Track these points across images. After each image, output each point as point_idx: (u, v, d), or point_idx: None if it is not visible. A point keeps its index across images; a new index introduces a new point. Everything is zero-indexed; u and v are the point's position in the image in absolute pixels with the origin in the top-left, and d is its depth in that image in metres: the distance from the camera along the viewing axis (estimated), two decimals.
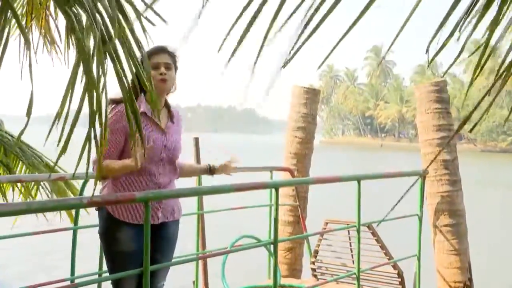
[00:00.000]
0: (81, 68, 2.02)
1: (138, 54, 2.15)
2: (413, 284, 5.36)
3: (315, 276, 5.55)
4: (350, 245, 5.35)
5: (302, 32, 1.29)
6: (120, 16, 2.11)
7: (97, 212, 3.20)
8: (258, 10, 1.28)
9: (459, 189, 5.23)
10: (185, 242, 4.23)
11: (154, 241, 3.08)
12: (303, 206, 5.93)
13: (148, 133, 3.13)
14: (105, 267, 3.35)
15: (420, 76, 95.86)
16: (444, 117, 5.21)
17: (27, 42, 2.06)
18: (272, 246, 3.88)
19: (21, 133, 2.00)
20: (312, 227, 5.93)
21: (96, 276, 4.08)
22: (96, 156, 3.00)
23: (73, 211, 4.67)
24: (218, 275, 5.02)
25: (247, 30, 1.27)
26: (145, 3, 2.07)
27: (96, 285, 4.00)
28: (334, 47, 1.34)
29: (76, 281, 3.97)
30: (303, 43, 1.31)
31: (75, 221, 4.27)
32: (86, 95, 2.00)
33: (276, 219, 3.78)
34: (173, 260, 3.36)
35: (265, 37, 1.31)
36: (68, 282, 3.96)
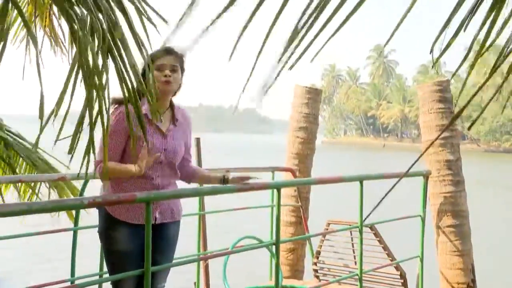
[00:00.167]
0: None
1: (139, 54, 2.15)
2: (416, 285, 5.35)
3: (317, 277, 5.56)
4: (353, 246, 5.35)
5: (306, 34, 1.29)
6: (121, 15, 2.11)
7: (97, 211, 3.21)
8: (258, 7, 1.28)
9: (462, 190, 5.23)
10: (186, 243, 4.23)
11: (152, 241, 3.08)
12: (305, 206, 5.93)
13: (148, 136, 3.13)
14: (105, 267, 3.36)
15: (423, 76, 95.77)
16: (447, 117, 5.21)
17: (33, 40, 2.05)
18: (274, 247, 3.88)
19: (37, 142, 2.00)
20: (314, 228, 5.93)
21: (96, 277, 4.09)
22: (99, 158, 3.02)
23: (73, 212, 4.68)
24: (219, 276, 5.02)
25: (245, 27, 1.27)
26: (146, 3, 2.08)
27: (96, 285, 4.01)
28: (324, 44, 1.34)
29: (77, 282, 3.98)
30: (307, 47, 1.31)
31: (76, 221, 4.28)
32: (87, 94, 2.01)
33: (278, 220, 3.78)
34: (174, 261, 3.36)
35: (267, 36, 1.31)
36: (69, 283, 3.97)
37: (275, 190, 4.29)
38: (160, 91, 3.15)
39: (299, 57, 1.28)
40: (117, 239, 3.11)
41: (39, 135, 2.02)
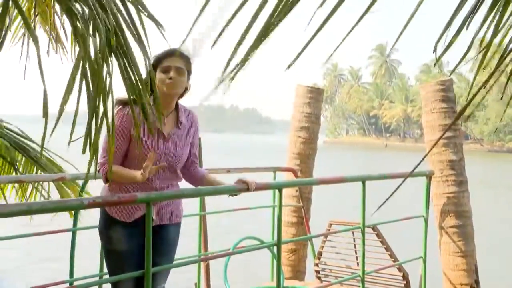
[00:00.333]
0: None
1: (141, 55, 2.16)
2: (418, 286, 5.36)
3: (319, 278, 5.56)
4: (355, 247, 5.35)
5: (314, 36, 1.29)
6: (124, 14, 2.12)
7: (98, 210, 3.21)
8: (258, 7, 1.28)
9: (466, 190, 5.23)
10: (187, 244, 4.24)
11: (152, 243, 3.08)
12: (306, 207, 5.93)
13: (149, 140, 3.12)
14: (105, 268, 3.37)
15: (426, 75, 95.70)
16: (450, 116, 5.20)
17: (34, 39, 2.05)
18: (275, 247, 3.88)
19: (42, 144, 2.00)
20: (316, 228, 5.94)
21: (95, 278, 4.10)
22: (103, 159, 3.02)
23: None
24: (220, 277, 5.03)
25: (248, 27, 1.27)
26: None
27: (95, 286, 4.01)
28: (337, 47, 1.34)
29: (75, 283, 3.98)
30: (306, 44, 1.32)
31: (74, 222, 4.29)
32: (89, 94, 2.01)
33: (279, 220, 3.79)
34: (174, 262, 3.36)
35: (265, 35, 1.31)
36: (67, 284, 3.97)
37: (276, 191, 4.30)
38: (164, 93, 3.14)
39: (298, 56, 1.28)
40: (114, 238, 3.12)
41: (44, 136, 2.02)
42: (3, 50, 2.08)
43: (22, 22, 4.59)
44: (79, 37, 2.04)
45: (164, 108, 3.19)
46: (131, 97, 2.36)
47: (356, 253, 5.34)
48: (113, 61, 2.16)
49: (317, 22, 1.34)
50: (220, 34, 1.21)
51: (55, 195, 5.46)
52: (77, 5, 2.10)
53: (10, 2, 1.95)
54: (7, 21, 2.05)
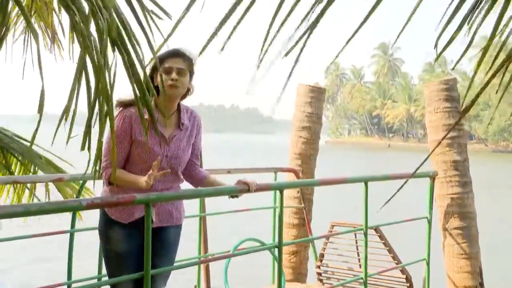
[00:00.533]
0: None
1: (141, 53, 2.15)
2: None
3: (320, 280, 5.56)
4: (357, 249, 5.35)
5: (310, 31, 1.29)
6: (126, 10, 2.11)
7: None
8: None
9: (470, 191, 5.22)
10: (187, 245, 4.24)
11: (151, 245, 3.08)
12: (308, 208, 5.93)
13: (150, 142, 3.11)
14: (104, 270, 3.37)
15: (429, 74, 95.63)
16: (454, 116, 5.20)
17: (34, 33, 2.04)
18: (276, 249, 3.89)
19: (33, 139, 2.00)
20: (318, 230, 5.94)
21: (93, 280, 4.10)
22: (105, 163, 3.02)
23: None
24: (220, 280, 5.03)
25: (238, 22, 1.27)
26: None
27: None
28: (342, 48, 1.34)
29: (73, 286, 3.99)
30: (304, 34, 1.31)
31: (72, 223, 4.29)
32: (90, 94, 2.00)
33: (280, 222, 3.79)
34: (174, 264, 3.36)
35: (268, 34, 1.31)
36: (65, 287, 3.98)
37: (277, 192, 4.30)
38: (166, 95, 3.14)
39: (296, 44, 1.28)
40: (113, 238, 3.13)
41: (35, 133, 2.02)
42: (3, 50, 2.08)
43: (20, 20, 4.59)
44: (78, 33, 2.04)
45: (166, 110, 3.19)
46: (138, 96, 2.34)
47: (358, 255, 5.34)
48: (116, 60, 2.15)
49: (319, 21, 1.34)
50: (229, 38, 1.21)
51: (52, 197, 5.46)
52: (77, 0, 2.09)
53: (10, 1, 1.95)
54: (7, 18, 2.05)
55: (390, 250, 5.15)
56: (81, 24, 2.02)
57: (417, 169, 1.70)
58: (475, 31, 1.58)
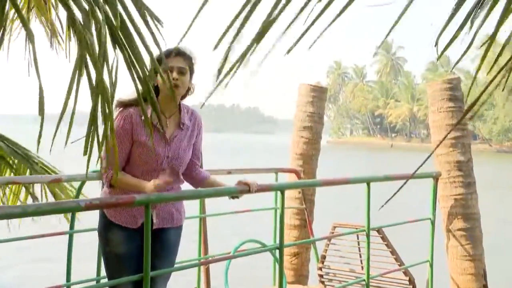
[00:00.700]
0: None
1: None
2: None
3: (322, 282, 5.56)
4: (359, 250, 5.35)
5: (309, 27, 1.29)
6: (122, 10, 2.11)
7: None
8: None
9: (474, 192, 5.22)
10: (187, 247, 4.24)
11: (151, 246, 3.08)
12: (309, 209, 5.93)
13: (151, 143, 3.11)
14: (103, 272, 3.37)
15: (432, 73, 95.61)
16: (458, 116, 5.20)
17: (30, 34, 2.04)
18: (277, 251, 3.88)
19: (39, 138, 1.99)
20: (319, 231, 5.93)
21: (92, 282, 4.10)
22: (106, 165, 3.01)
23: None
24: (221, 281, 5.03)
25: (244, 23, 1.27)
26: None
27: None
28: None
29: (72, 287, 3.99)
30: (305, 31, 1.31)
31: (71, 224, 4.29)
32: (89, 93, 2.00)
33: (281, 223, 3.79)
34: (174, 266, 3.36)
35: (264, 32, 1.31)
36: None
37: (278, 192, 4.30)
38: (167, 94, 3.14)
39: (298, 40, 1.28)
40: (112, 240, 3.12)
41: (39, 139, 2.01)
42: (3, 50, 2.08)
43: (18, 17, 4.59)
44: (77, 30, 2.03)
45: (166, 110, 3.19)
46: (140, 94, 2.34)
47: (360, 257, 5.33)
48: (117, 57, 2.14)
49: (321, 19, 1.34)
50: (223, 36, 1.21)
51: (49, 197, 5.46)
52: None
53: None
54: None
55: (393, 252, 5.14)
56: (80, 22, 2.02)
57: (416, 170, 1.70)
58: (477, 30, 1.57)
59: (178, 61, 3.17)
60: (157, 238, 3.16)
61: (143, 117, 2.45)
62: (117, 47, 2.09)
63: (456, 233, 5.16)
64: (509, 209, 21.11)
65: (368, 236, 4.63)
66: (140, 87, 2.27)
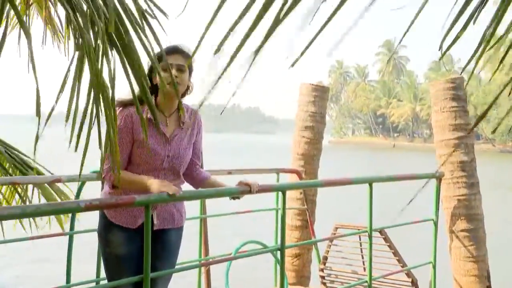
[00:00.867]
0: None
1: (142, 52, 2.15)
2: None
3: (324, 284, 5.56)
4: (361, 251, 5.35)
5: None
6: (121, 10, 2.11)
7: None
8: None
9: (477, 192, 5.22)
10: (187, 248, 4.24)
11: (151, 248, 3.09)
12: (311, 210, 5.93)
13: (151, 142, 3.11)
14: (103, 273, 3.37)
15: (435, 73, 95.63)
16: (461, 116, 5.20)
17: (27, 33, 2.04)
18: (278, 252, 3.88)
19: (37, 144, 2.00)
20: (321, 232, 5.93)
21: (91, 284, 4.10)
22: (107, 166, 3.00)
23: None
24: (221, 282, 5.03)
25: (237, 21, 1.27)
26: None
27: None
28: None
29: None
30: (311, 41, 1.31)
31: (71, 225, 4.29)
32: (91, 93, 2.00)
33: (283, 224, 3.79)
34: (174, 267, 3.36)
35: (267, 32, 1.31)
36: None
37: (280, 193, 4.30)
38: (165, 93, 3.13)
39: (302, 54, 1.28)
40: (112, 241, 3.12)
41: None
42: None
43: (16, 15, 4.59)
44: (75, 30, 2.04)
45: (166, 109, 3.18)
46: (136, 95, 2.34)
47: (362, 258, 5.34)
48: (114, 58, 2.15)
49: (322, 18, 1.34)
50: (225, 39, 1.21)
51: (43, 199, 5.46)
52: None
53: None
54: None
55: (396, 253, 5.15)
56: (78, 19, 2.02)
57: (422, 173, 1.70)
58: (485, 32, 1.58)
59: (177, 58, 3.17)
60: (157, 239, 3.15)
61: (144, 116, 2.45)
62: (113, 48, 2.10)
63: (459, 234, 5.16)
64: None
65: (370, 237, 4.63)
66: (136, 87, 2.28)
